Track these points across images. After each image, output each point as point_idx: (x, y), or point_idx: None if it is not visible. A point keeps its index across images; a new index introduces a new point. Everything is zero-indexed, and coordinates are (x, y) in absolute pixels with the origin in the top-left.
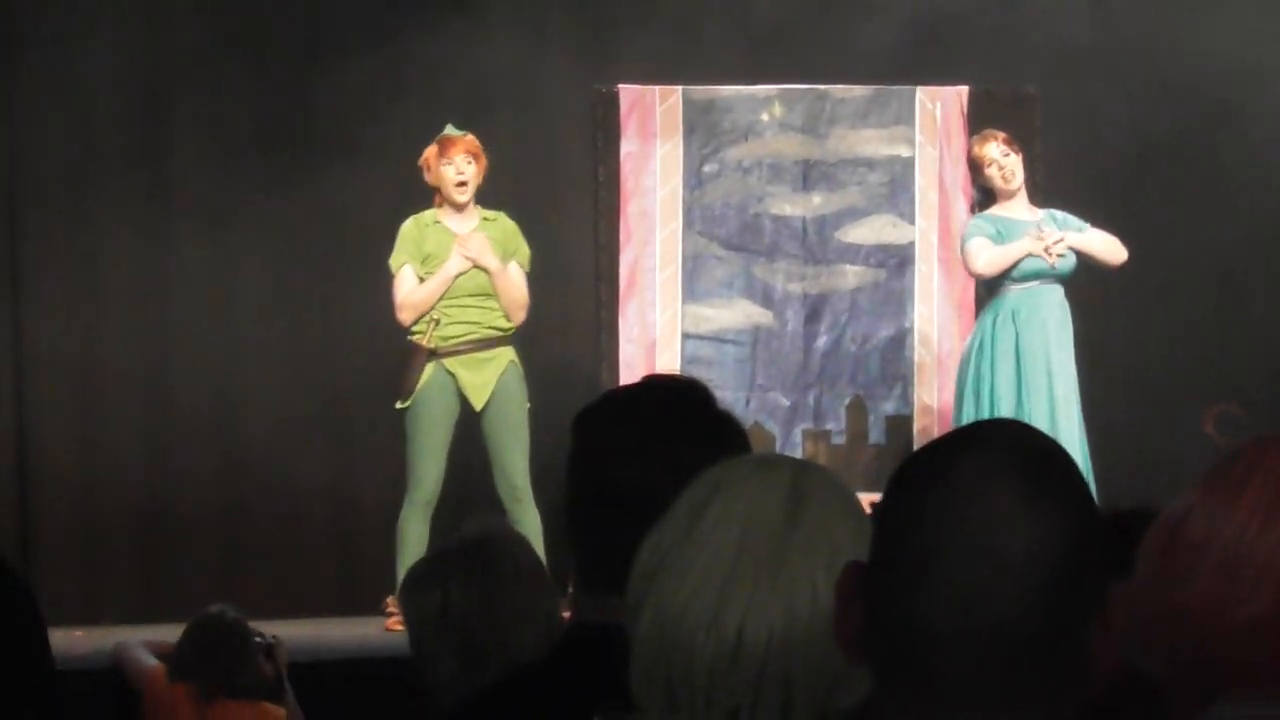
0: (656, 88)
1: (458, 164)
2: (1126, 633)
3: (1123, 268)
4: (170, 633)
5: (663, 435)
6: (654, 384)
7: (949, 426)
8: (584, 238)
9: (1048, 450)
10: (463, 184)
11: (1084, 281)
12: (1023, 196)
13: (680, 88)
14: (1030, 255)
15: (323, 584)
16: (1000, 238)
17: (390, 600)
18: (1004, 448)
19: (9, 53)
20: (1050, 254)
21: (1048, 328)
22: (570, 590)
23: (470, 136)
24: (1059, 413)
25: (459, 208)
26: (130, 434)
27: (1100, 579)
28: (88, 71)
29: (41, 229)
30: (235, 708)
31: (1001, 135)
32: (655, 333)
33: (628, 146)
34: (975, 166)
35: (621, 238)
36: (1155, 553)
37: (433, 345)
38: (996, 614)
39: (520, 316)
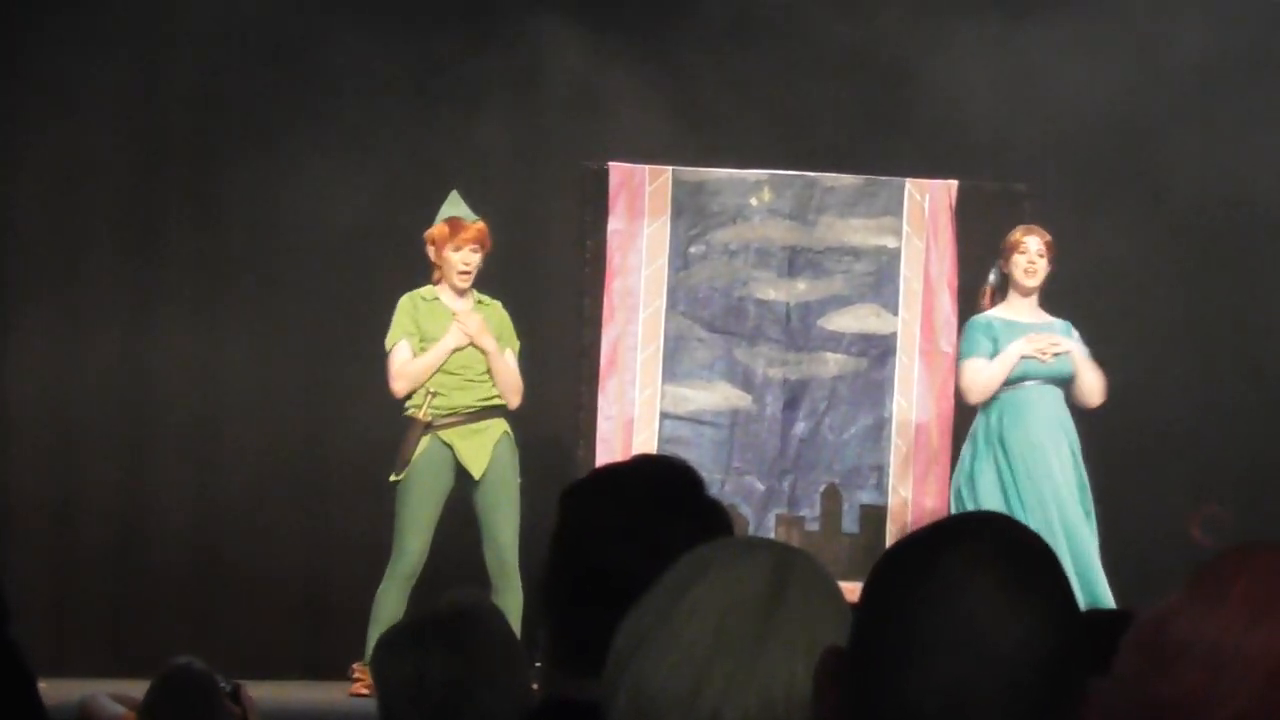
0: (646, 167)
1: (465, 253)
2: None
3: (1104, 398)
4: (135, 688)
5: (648, 518)
6: (645, 465)
7: (924, 518)
8: (568, 313)
9: (1032, 545)
10: (466, 273)
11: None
12: (1034, 300)
13: (670, 168)
14: (1025, 358)
15: (292, 646)
16: (996, 346)
17: (357, 666)
18: (989, 540)
19: (4, 111)
20: (1044, 355)
21: (1040, 431)
22: (540, 665)
23: (481, 224)
24: (1053, 515)
25: (460, 294)
26: (103, 488)
27: (1079, 676)
28: (82, 137)
29: (27, 286)
30: None
31: (1047, 237)
32: (634, 411)
33: (615, 224)
34: (1007, 250)
35: (605, 315)
36: (1137, 650)
37: (428, 418)
38: (977, 706)
39: (517, 401)
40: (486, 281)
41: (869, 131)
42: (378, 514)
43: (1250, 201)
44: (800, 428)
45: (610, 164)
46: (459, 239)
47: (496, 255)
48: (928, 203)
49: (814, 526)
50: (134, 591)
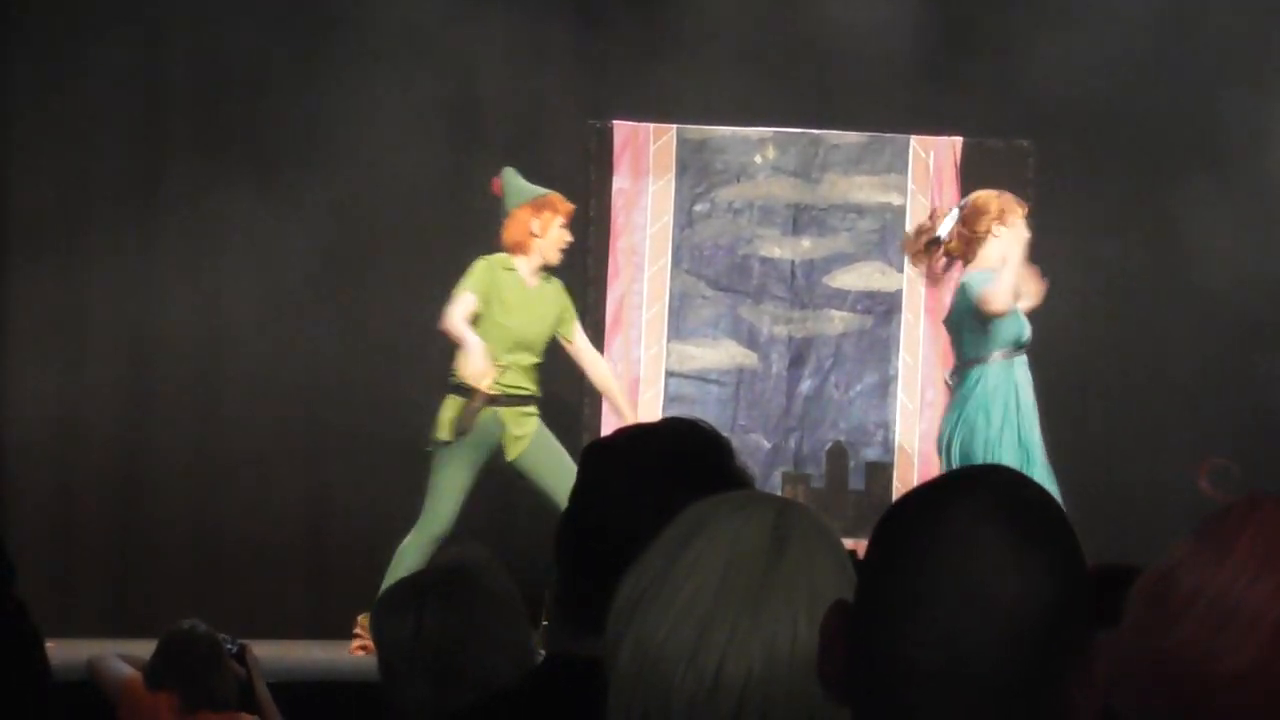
0: (651, 125)
1: (565, 231)
2: (1111, 682)
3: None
4: (141, 648)
5: (661, 484)
6: (670, 430)
7: (929, 475)
8: (573, 272)
9: (1039, 498)
10: (565, 250)
11: (1063, 337)
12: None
13: (674, 126)
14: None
15: (294, 606)
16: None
17: (361, 619)
18: (995, 494)
19: (2, 94)
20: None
21: (1007, 407)
22: (544, 622)
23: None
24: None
25: (537, 269)
26: (106, 448)
27: (1084, 629)
28: (84, 91)
29: (28, 246)
30: (215, 719)
31: (1024, 213)
32: (639, 369)
33: (620, 183)
34: (979, 212)
35: (610, 273)
36: (1143, 602)
37: (496, 392)
38: (981, 659)
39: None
40: (490, 240)
41: (874, 88)
42: (379, 475)
43: (1259, 158)
44: (806, 385)
45: (614, 122)
46: (562, 214)
47: (502, 215)
48: (932, 160)
49: (820, 484)
50: (137, 552)
